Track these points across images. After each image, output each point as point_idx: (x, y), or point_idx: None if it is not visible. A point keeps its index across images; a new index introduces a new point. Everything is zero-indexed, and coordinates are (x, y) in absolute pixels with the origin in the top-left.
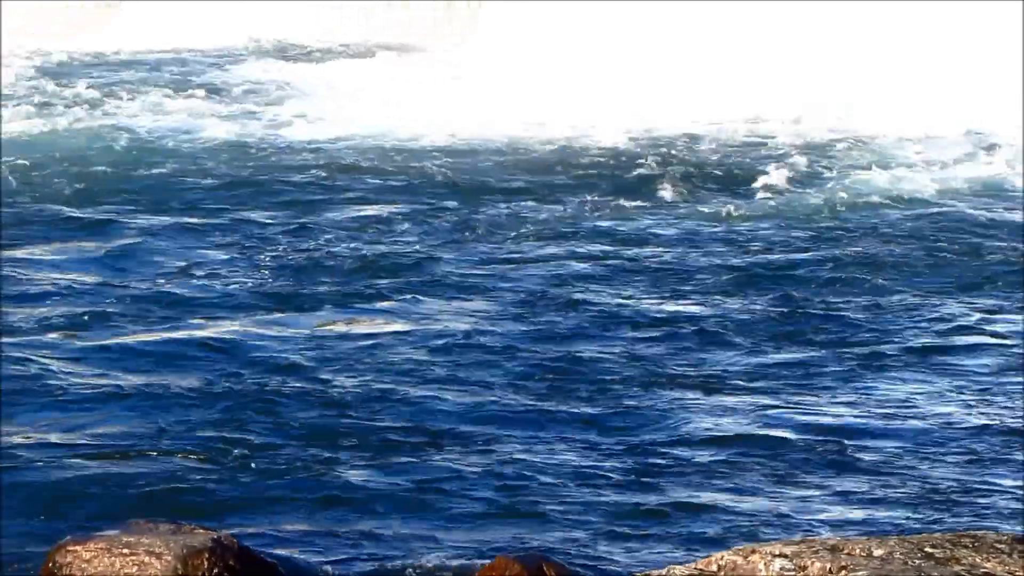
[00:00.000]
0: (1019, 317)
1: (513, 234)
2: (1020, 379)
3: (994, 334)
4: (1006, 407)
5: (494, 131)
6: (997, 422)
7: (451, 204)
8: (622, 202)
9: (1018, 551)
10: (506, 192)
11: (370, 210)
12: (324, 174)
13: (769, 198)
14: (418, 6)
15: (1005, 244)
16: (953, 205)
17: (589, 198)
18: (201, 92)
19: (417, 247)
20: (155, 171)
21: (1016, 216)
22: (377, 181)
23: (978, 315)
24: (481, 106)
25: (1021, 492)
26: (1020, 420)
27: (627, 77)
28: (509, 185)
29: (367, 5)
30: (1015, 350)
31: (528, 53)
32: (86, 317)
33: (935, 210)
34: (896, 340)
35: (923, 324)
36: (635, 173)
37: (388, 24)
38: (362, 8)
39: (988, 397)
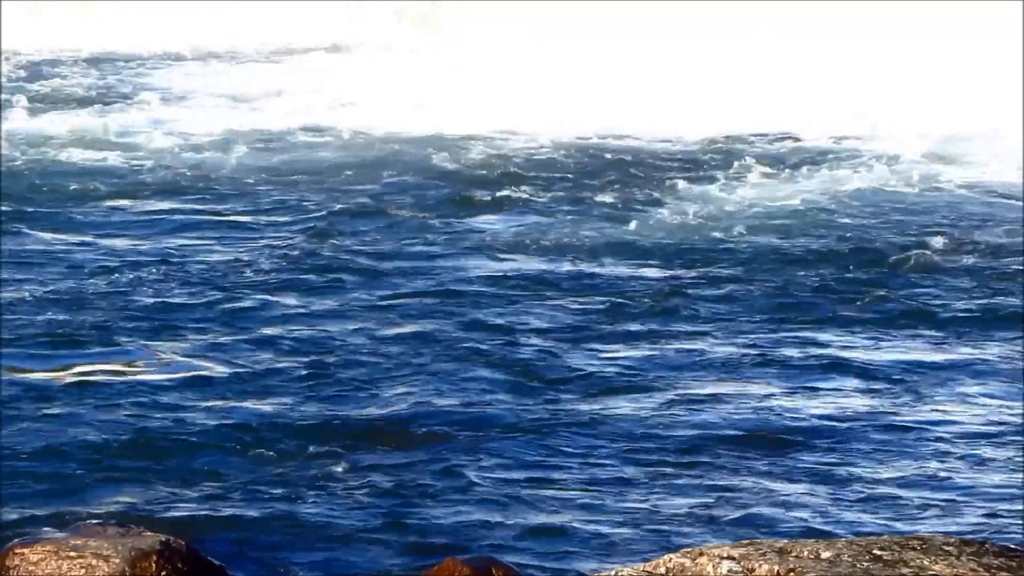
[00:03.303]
0: (969, 313)
1: (462, 236)
2: (974, 380)
3: (940, 338)
4: (957, 410)
5: (444, 128)
6: (947, 425)
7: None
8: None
9: (966, 554)
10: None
11: (336, 207)
12: (276, 175)
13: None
14: (373, 6)
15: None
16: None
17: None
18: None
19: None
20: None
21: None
22: (346, 180)
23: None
24: (436, 105)
25: (969, 495)
26: (971, 422)
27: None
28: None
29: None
30: (966, 349)
31: (488, 53)
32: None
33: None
34: (842, 340)
35: (865, 324)
36: (570, 177)
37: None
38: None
39: (939, 399)
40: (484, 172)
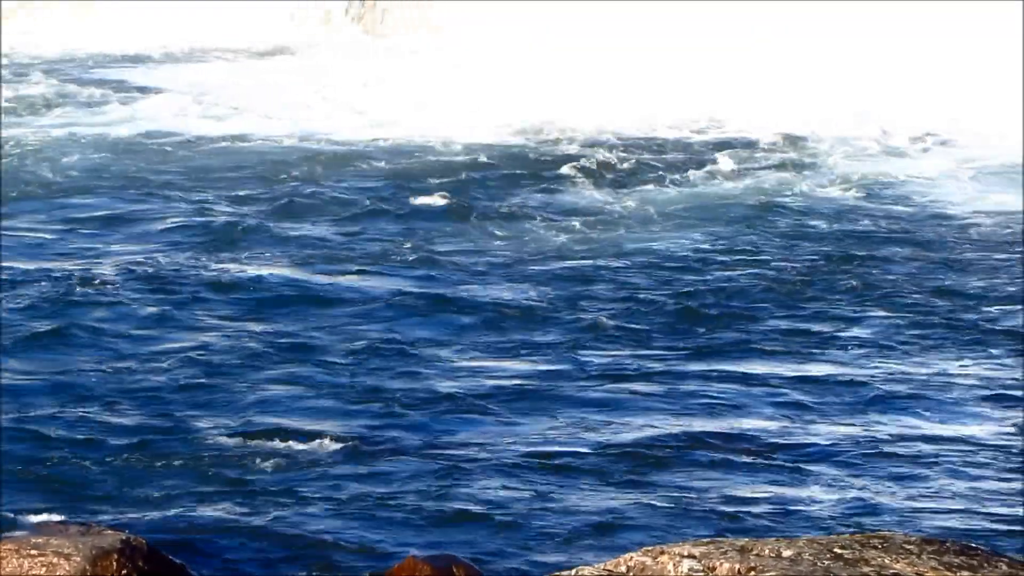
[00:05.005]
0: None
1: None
2: (949, 383)
3: (909, 336)
4: (928, 412)
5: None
6: (916, 428)
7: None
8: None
9: (927, 552)
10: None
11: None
12: (258, 171)
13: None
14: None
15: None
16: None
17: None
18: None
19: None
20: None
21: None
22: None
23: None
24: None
25: (931, 493)
26: (943, 424)
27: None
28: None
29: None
30: (964, 352)
31: (488, 53)
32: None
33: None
34: (836, 334)
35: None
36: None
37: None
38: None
39: (908, 401)
40: (482, 171)
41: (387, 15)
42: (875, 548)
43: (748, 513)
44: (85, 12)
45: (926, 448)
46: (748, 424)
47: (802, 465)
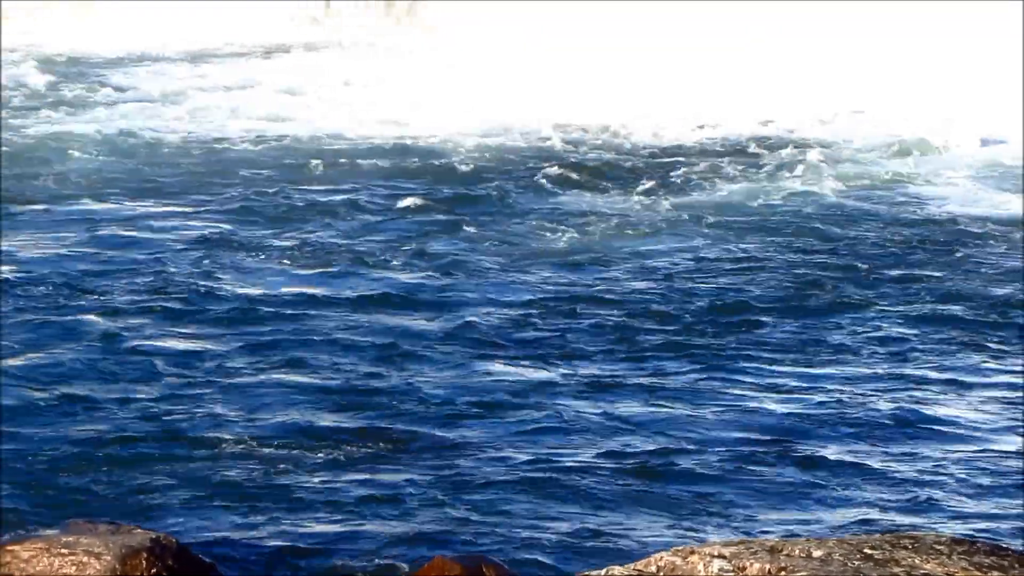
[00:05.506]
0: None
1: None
2: (971, 379)
3: (931, 336)
4: (951, 410)
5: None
6: (940, 425)
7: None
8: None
9: (957, 552)
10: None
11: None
12: (272, 172)
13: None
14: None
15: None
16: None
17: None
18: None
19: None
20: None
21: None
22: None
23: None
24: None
25: (962, 494)
26: (967, 422)
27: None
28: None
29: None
30: (972, 353)
31: (471, 51)
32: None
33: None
34: (845, 337)
35: (873, 325)
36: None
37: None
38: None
39: (931, 399)
40: (478, 171)
41: (391, 11)
42: (905, 548)
43: (778, 513)
44: (85, 12)
45: (939, 452)
46: (760, 428)
47: (817, 468)
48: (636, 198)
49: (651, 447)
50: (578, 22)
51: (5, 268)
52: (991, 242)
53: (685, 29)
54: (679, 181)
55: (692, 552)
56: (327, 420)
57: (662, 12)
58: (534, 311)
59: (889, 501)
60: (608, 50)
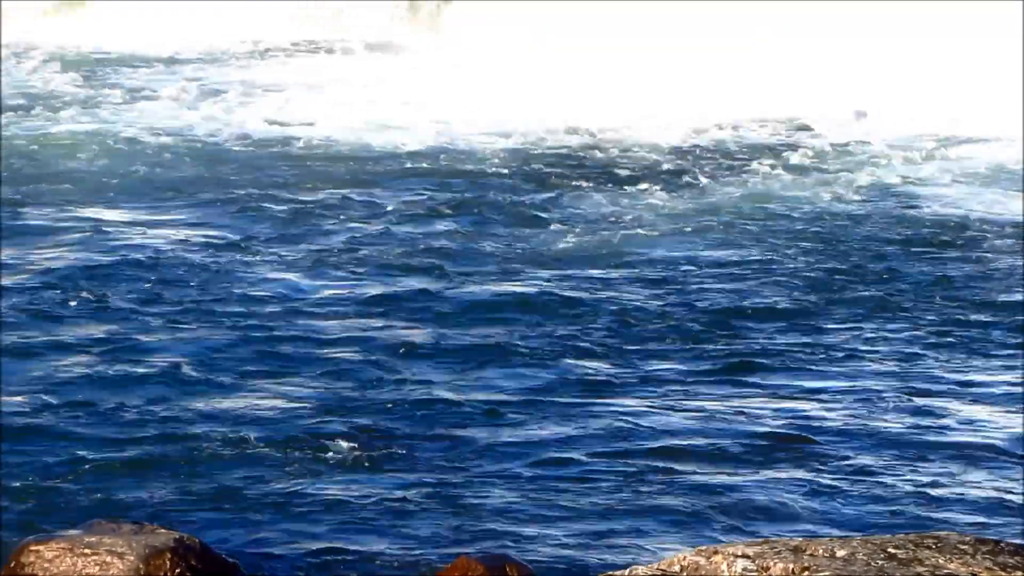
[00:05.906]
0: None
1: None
2: (983, 378)
3: (944, 336)
4: (968, 409)
5: (453, 131)
6: (959, 425)
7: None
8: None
9: (981, 552)
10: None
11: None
12: (302, 172)
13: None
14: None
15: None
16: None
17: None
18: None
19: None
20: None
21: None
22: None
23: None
24: (444, 106)
25: (985, 493)
26: (983, 422)
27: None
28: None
29: (330, 4)
30: (993, 358)
31: (492, 53)
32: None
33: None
34: (852, 338)
35: (884, 323)
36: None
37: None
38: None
39: (947, 398)
40: (484, 171)
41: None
42: (929, 548)
43: (801, 512)
44: (85, 12)
45: (950, 452)
46: (771, 429)
47: (856, 464)
48: (643, 199)
49: (663, 448)
50: (584, 22)
51: (7, 270)
52: (997, 243)
53: (691, 29)
54: (685, 182)
55: (715, 552)
56: (337, 422)
57: (668, 12)
58: (542, 313)
59: (904, 503)
60: (613, 50)
